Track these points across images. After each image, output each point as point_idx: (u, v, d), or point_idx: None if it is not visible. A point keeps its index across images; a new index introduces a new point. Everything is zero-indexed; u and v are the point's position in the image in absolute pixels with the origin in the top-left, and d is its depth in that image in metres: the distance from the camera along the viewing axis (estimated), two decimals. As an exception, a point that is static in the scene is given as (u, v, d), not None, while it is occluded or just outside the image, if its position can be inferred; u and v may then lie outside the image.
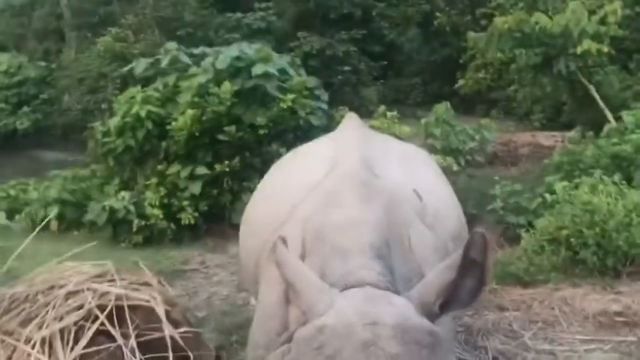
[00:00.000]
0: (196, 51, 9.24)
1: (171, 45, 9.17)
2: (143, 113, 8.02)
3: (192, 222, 7.80)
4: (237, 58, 8.36)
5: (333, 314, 2.05)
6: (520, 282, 5.88)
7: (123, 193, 7.84)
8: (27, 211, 8.26)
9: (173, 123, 7.96)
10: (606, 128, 8.11)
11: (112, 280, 1.65)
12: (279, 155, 5.81)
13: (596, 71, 9.98)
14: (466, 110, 13.40)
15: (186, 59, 8.80)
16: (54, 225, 8.03)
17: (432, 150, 8.55)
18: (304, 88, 8.36)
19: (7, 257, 2.32)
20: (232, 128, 7.91)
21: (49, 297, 1.55)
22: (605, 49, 8.81)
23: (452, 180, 8.06)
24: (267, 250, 2.97)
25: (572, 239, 6.00)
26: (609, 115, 8.86)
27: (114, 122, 8.22)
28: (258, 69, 8.07)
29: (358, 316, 2.02)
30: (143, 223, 7.53)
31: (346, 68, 15.28)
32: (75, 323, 1.48)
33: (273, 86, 8.14)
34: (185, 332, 1.57)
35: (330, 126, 7.63)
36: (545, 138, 11.27)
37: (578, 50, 8.75)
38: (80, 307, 1.51)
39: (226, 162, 7.89)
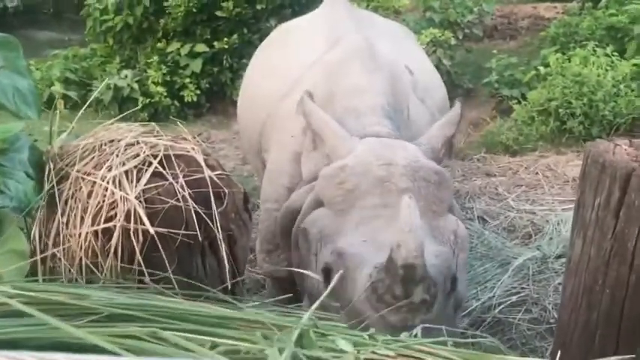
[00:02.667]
0: None
1: None
2: (139, -10, 7.95)
3: (195, 99, 8.00)
4: None
5: (353, 156, 2.40)
6: (508, 151, 6.22)
7: (125, 72, 7.98)
8: None
9: (170, -1, 7.93)
10: (605, -1, 8.05)
11: (158, 136, 1.98)
12: (277, 31, 5.90)
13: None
14: (467, -19, 13.06)
15: None
16: (60, 104, 8.24)
17: (430, 23, 8.55)
18: (302, -39, 8.21)
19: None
20: (230, 4, 7.87)
21: (112, 147, 1.89)
22: None
23: (449, 54, 8.21)
24: (270, 121, 3.25)
25: (560, 110, 6.26)
26: (610, -15, 8.73)
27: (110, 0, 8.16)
28: (254, -59, 7.88)
29: (375, 158, 2.37)
30: (147, 100, 7.74)
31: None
32: (135, 167, 1.83)
33: (270, -40, 7.99)
34: (220, 174, 1.92)
35: None
36: (545, 9, 11.11)
37: None
38: (137, 156, 1.85)
39: (225, 39, 7.95)
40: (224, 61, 8.06)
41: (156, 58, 8.02)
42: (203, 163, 1.90)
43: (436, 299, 1.97)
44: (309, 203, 2.45)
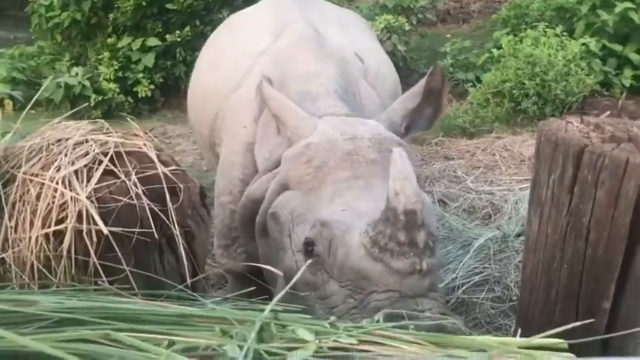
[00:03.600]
0: None
1: None
2: (86, -16, 7.74)
3: (149, 94, 7.85)
4: None
5: (317, 134, 2.41)
6: (465, 133, 6.29)
7: (76, 69, 7.77)
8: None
9: (118, -7, 7.74)
10: (553, -20, 8.19)
11: (108, 133, 1.92)
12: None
13: None
14: (419, -34, 13.12)
15: None
16: (9, 105, 7.98)
17: (383, 9, 8.57)
18: (251, -50, 8.10)
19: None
20: (180, -4, 7.74)
21: (60, 147, 1.83)
22: None
23: (404, 40, 8.24)
24: (221, 114, 3.21)
25: (514, 91, 6.37)
26: (558, -34, 8.89)
27: (56, -5, 7.92)
28: None
29: (339, 133, 2.38)
30: (100, 97, 7.56)
31: None
32: (85, 166, 1.77)
33: (220, -51, 7.87)
34: (174, 169, 1.88)
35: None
36: (496, -8, 11.28)
37: None
38: (86, 154, 1.79)
39: (177, 32, 7.81)
40: (177, 55, 7.92)
41: (107, 54, 7.83)
42: (156, 159, 1.86)
43: (436, 243, 2.02)
44: (274, 189, 2.43)
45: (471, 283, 3.97)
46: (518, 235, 4.41)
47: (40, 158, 1.80)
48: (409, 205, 1.92)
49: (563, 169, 1.87)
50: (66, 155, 1.77)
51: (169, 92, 8.13)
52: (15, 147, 1.87)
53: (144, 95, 7.83)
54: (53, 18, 8.07)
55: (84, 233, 1.68)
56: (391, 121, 2.56)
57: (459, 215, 4.81)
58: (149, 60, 7.78)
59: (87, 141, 1.84)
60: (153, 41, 7.80)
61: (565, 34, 6.69)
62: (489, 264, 4.17)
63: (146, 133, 2.00)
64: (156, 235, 1.80)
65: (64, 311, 1.08)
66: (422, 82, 2.59)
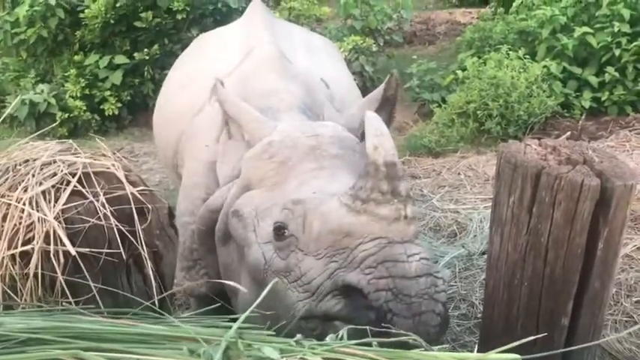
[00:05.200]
0: None
1: None
2: (53, 1, 7.67)
3: (116, 112, 7.80)
4: (149, -61, 7.98)
5: (277, 133, 2.46)
6: (431, 153, 6.41)
7: (41, 86, 7.68)
8: None
9: (86, 10, 7.69)
10: (516, 4, 8.44)
11: (76, 154, 1.92)
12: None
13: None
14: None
15: (93, -60, 8.32)
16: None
17: (351, 30, 8.71)
18: (220, -30, 8.17)
19: None
20: (149, 14, 7.73)
21: (27, 167, 1.82)
22: None
23: (371, 60, 8.37)
24: (185, 137, 3.21)
25: (478, 112, 6.52)
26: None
27: (22, 12, 7.83)
28: (171, -50, 7.77)
29: (301, 132, 2.45)
30: (66, 115, 7.47)
31: (264, -54, 14.68)
32: (52, 186, 1.77)
33: (188, -32, 7.91)
34: (142, 190, 1.89)
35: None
36: (461, 15, 11.56)
37: None
38: (54, 175, 1.79)
39: (145, 50, 7.79)
40: (145, 73, 7.90)
41: (73, 71, 7.76)
42: (124, 180, 1.87)
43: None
44: (235, 192, 2.45)
45: (437, 300, 4.02)
46: (483, 254, 4.49)
47: (7, 179, 1.79)
48: (388, 157, 2.02)
49: (522, 189, 1.94)
50: (33, 176, 1.77)
51: (137, 110, 8.09)
52: (-19, 167, 1.86)
53: (111, 113, 7.77)
54: (19, 34, 7.97)
55: (51, 254, 1.68)
56: (349, 126, 2.64)
57: (425, 233, 4.88)
58: (117, 78, 7.74)
59: (55, 161, 1.85)
60: (121, 59, 7.77)
61: (527, 56, 6.89)
62: (455, 282, 4.23)
63: (114, 153, 2.01)
64: (124, 256, 1.80)
65: (30, 331, 1.08)
66: (379, 90, 2.70)
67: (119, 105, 7.79)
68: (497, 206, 2.09)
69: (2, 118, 7.68)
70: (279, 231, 2.17)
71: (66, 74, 7.83)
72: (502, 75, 6.49)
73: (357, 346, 1.26)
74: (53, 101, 7.49)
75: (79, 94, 7.58)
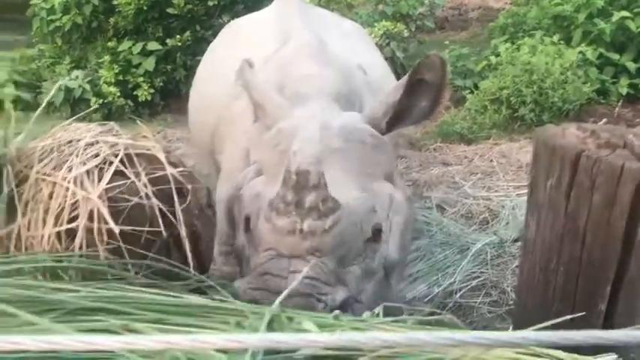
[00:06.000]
0: None
1: None
2: (88, -12, 7.80)
3: (149, 98, 7.90)
4: None
5: (288, 120, 2.41)
6: (463, 139, 6.36)
7: (76, 72, 7.82)
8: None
9: (120, -3, 7.80)
10: (550, -12, 8.29)
11: (118, 135, 1.98)
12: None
13: None
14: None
15: None
16: (9, 107, 8.02)
17: (382, 16, 8.66)
18: (252, -44, 8.18)
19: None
20: (181, 1, 7.79)
21: (71, 148, 1.88)
22: None
23: (402, 46, 8.31)
24: (223, 122, 3.24)
25: (512, 98, 6.44)
26: (555, -25, 8.99)
27: (58, -1, 7.97)
28: (203, -63, 7.81)
29: (309, 121, 2.36)
30: (100, 101, 7.60)
31: None
32: (96, 166, 1.82)
33: (221, -45, 7.94)
34: (182, 171, 1.93)
35: (279, -6, 7.60)
36: (494, 0, 11.39)
37: None
38: (97, 155, 1.84)
39: (177, 36, 7.87)
40: (177, 59, 7.98)
41: (107, 57, 7.88)
42: (164, 160, 1.91)
43: (335, 215, 1.99)
44: (250, 176, 2.45)
45: (469, 287, 4.02)
46: (515, 241, 4.46)
47: (52, 159, 1.85)
48: (302, 165, 1.94)
49: (560, 173, 1.92)
50: (77, 156, 1.82)
51: (169, 96, 8.18)
52: (27, 147, 1.92)
53: (144, 99, 7.87)
54: (54, 21, 8.12)
55: (94, 232, 1.73)
56: (372, 114, 2.49)
57: (456, 220, 4.86)
58: (150, 64, 7.83)
59: (97, 142, 1.89)
60: (153, 45, 7.86)
61: (562, 42, 6.77)
62: (486, 269, 4.22)
63: (154, 135, 2.05)
64: (164, 235, 1.84)
65: (85, 299, 1.12)
66: (404, 79, 2.45)
67: (152, 91, 7.89)
68: (533, 190, 2.08)
69: (38, 104, 7.86)
70: (247, 222, 2.20)
71: (100, 61, 7.96)
72: (536, 61, 6.39)
73: (393, 323, 1.28)
74: (88, 87, 7.63)
75: (112, 80, 7.70)
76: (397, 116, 2.45)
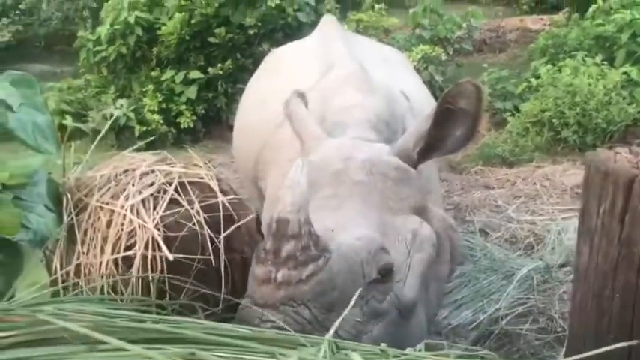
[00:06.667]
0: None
1: (153, -52, 8.99)
2: (132, 20, 8.06)
3: (191, 125, 8.06)
4: (222, -43, 8.26)
5: (318, 153, 2.41)
6: (505, 163, 6.29)
7: (121, 101, 8.04)
8: None
9: (162, 28, 8.02)
10: (592, 9, 8.20)
11: (171, 164, 2.04)
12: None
13: (584, -50, 9.88)
14: (453, -2, 13.26)
15: (169, -39, 8.69)
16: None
17: (420, 40, 8.69)
18: (290, -16, 8.35)
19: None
20: (222, 30, 7.98)
21: (128, 177, 1.95)
22: None
23: (441, 70, 8.32)
24: (267, 149, 3.28)
25: (554, 120, 6.36)
26: (595, -5, 8.90)
27: (104, 30, 8.25)
28: (243, -32, 8.01)
29: (337, 153, 2.36)
30: (144, 129, 7.79)
31: (331, -41, 14.85)
32: (151, 195, 1.88)
33: (259, -16, 8.13)
34: (232, 199, 1.97)
35: (317, 22, 7.72)
36: (532, 22, 11.31)
37: None
38: (152, 184, 1.91)
39: (219, 65, 8.04)
40: (219, 87, 8.15)
41: (151, 86, 8.09)
42: (217, 189, 1.95)
43: (315, 264, 1.93)
44: None
45: (515, 313, 3.94)
46: (562, 266, 4.37)
47: (109, 188, 1.91)
48: (282, 214, 1.91)
49: (614, 198, 1.89)
50: (133, 185, 1.88)
51: (210, 123, 8.34)
52: (86, 177, 1.99)
53: (186, 126, 8.04)
54: (100, 52, 8.40)
55: (148, 259, 1.77)
56: (403, 145, 2.42)
57: (500, 245, 4.79)
58: (192, 92, 8.01)
59: (153, 171, 1.95)
60: (195, 73, 8.04)
61: (605, 63, 6.67)
62: (533, 295, 4.14)
63: (205, 163, 2.10)
64: (213, 263, 1.88)
65: (141, 330, 1.15)
66: (435, 106, 2.37)
67: (194, 118, 8.06)
68: (585, 216, 2.04)
69: (84, 132, 8.03)
70: None
71: (144, 89, 8.17)
72: (579, 82, 6.30)
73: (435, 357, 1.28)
74: (132, 115, 7.83)
75: (156, 108, 7.89)
76: (430, 146, 2.39)
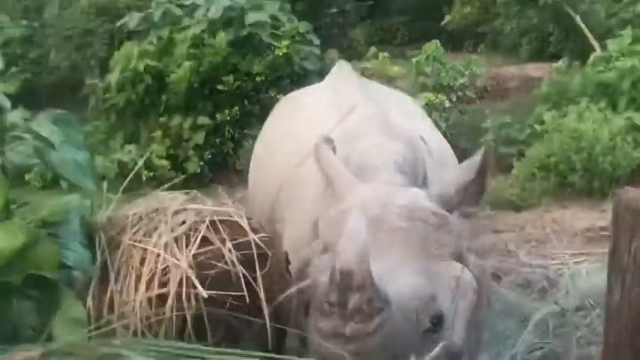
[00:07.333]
0: (187, 2, 9.30)
1: (162, -3, 9.22)
2: (141, 67, 8.18)
3: (198, 171, 8.10)
4: (229, 8, 8.46)
5: (352, 198, 2.37)
6: (513, 207, 6.29)
7: (129, 147, 8.10)
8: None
9: (172, 75, 8.14)
10: (592, 57, 8.36)
11: (202, 202, 2.04)
12: (276, 102, 6.04)
13: (582, 0, 10.14)
14: (454, 47, 13.46)
15: (178, 11, 8.91)
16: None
17: (423, 88, 8.81)
18: (297, 34, 8.53)
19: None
20: (230, 78, 8.11)
21: (160, 215, 1.95)
22: (590, -23, 9.01)
23: (444, 116, 8.42)
24: (285, 189, 3.27)
25: (560, 165, 6.40)
26: (595, 44, 9.08)
27: (114, 78, 8.37)
28: (251, 17, 8.20)
29: (373, 199, 2.33)
30: (151, 174, 7.81)
31: (333, 10, 15.20)
32: (183, 233, 1.88)
33: (267, 34, 8.30)
34: (263, 237, 1.97)
35: (323, 70, 7.86)
36: (533, 70, 11.49)
37: (564, -20, 8.95)
38: (184, 222, 1.91)
39: (226, 111, 8.13)
40: (226, 132, 8.21)
41: (159, 132, 8.16)
42: (247, 227, 1.96)
43: (381, 315, 1.91)
44: (319, 250, 2.39)
45: (532, 359, 3.88)
46: (578, 310, 4.33)
47: (141, 226, 1.91)
48: (346, 265, 1.87)
49: (645, 236, 1.90)
50: (166, 223, 1.88)
51: (217, 168, 8.38)
52: (117, 215, 1.99)
53: (193, 171, 8.07)
54: (109, 99, 8.50)
55: (183, 297, 1.76)
56: (441, 191, 2.44)
57: (513, 289, 4.75)
58: (200, 138, 8.07)
59: (184, 210, 1.96)
60: (203, 120, 8.13)
61: (608, 109, 6.76)
62: (549, 339, 4.08)
63: (233, 202, 2.11)
64: (247, 301, 1.87)
65: None
66: (475, 159, 2.47)
67: (201, 163, 8.10)
68: (615, 254, 2.04)
69: (128, 178, 8.06)
70: (306, 308, 2.11)
71: (152, 135, 8.24)
72: (584, 127, 6.38)
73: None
74: (139, 161, 7.86)
75: (164, 154, 7.94)
76: (463, 197, 2.43)
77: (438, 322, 2.07)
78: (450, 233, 2.36)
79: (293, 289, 2.53)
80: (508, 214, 6.16)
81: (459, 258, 2.37)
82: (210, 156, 8.19)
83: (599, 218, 5.62)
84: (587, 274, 4.77)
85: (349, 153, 2.80)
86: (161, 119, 8.32)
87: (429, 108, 8.20)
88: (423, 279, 2.12)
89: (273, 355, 1.31)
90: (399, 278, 2.03)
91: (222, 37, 8.08)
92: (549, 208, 6.14)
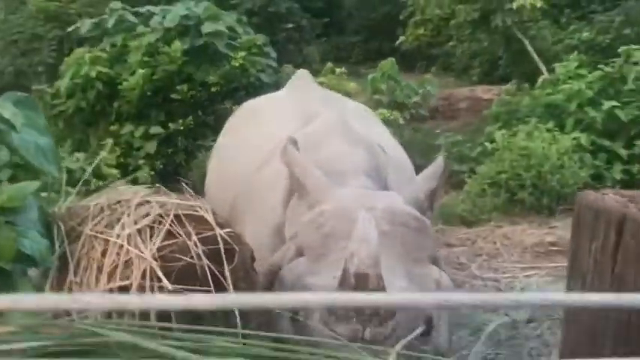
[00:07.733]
0: (142, 10, 9.18)
1: (116, 4, 9.07)
2: (93, 74, 8.00)
3: (149, 180, 7.92)
4: (186, 17, 8.39)
5: (332, 201, 2.35)
6: (465, 222, 6.41)
7: (77, 155, 7.85)
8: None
9: (124, 83, 7.99)
10: (540, 80, 8.66)
11: (167, 195, 1.98)
12: (231, 113, 6.00)
13: (531, 26, 10.53)
14: (407, 67, 13.74)
15: (132, 19, 8.77)
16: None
17: (378, 104, 8.94)
18: (254, 45, 8.52)
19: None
20: (184, 87, 8.02)
21: (123, 207, 1.87)
22: (539, 3, 9.37)
23: (398, 133, 8.55)
24: (242, 195, 3.23)
25: (510, 182, 6.57)
26: (543, 68, 9.44)
27: (63, 84, 8.15)
28: (207, 27, 8.15)
29: (354, 202, 2.31)
30: (100, 182, 7.59)
31: (289, 25, 15.31)
32: (147, 225, 1.80)
33: (223, 44, 8.26)
34: (229, 232, 1.91)
35: (278, 83, 7.86)
36: (483, 92, 11.81)
37: (514, 5, 9.28)
38: (147, 215, 1.83)
39: (180, 121, 8.02)
40: (178, 143, 8.09)
41: (109, 140, 7.96)
42: (213, 221, 1.91)
43: (394, 319, 1.92)
44: (290, 255, 2.37)
45: (486, 369, 3.93)
46: (529, 322, 4.41)
47: (103, 217, 1.84)
48: (361, 269, 1.86)
49: (605, 236, 1.94)
50: (129, 215, 1.82)
51: (168, 178, 8.21)
52: (77, 206, 1.91)
53: (143, 181, 7.89)
54: (58, 105, 8.26)
55: (146, 290, 1.69)
56: (416, 196, 2.46)
57: (466, 301, 4.80)
58: (151, 147, 7.93)
59: (148, 202, 1.89)
60: (156, 129, 7.98)
61: (556, 129, 7.00)
62: (501, 350, 4.14)
63: (198, 198, 2.06)
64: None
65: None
66: (438, 166, 2.55)
67: (152, 173, 7.93)
68: (575, 255, 2.09)
69: (78, 186, 7.77)
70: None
71: (102, 143, 8.03)
72: (533, 146, 6.58)
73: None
74: (89, 169, 7.64)
75: (114, 163, 7.74)
76: (432, 202, 2.54)
77: (428, 325, 2.08)
78: (428, 237, 2.40)
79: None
80: (459, 229, 6.27)
81: (435, 262, 2.39)
82: (161, 166, 8.04)
83: (548, 234, 5.78)
84: (538, 286, 4.89)
85: (315, 159, 2.79)
86: (112, 127, 8.14)
87: (384, 124, 8.30)
88: (412, 283, 2.11)
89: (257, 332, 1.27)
90: (393, 282, 2.01)
91: (178, 46, 7.99)
92: (500, 224, 6.28)
